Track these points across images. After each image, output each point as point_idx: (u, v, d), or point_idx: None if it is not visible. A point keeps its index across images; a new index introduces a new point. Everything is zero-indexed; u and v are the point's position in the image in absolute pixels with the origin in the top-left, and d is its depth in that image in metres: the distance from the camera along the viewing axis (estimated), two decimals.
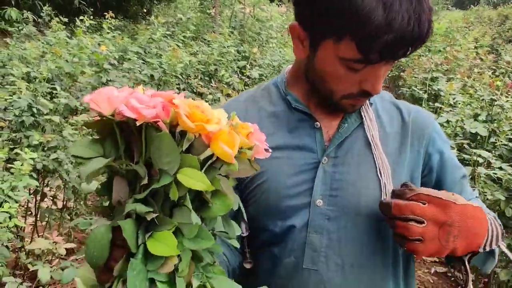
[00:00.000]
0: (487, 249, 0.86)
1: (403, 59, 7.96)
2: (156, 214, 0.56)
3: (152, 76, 4.13)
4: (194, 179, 0.55)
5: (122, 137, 0.57)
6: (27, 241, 3.25)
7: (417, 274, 3.56)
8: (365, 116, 0.96)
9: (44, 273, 1.54)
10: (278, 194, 0.92)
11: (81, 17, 4.76)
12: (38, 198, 3.20)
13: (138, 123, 0.55)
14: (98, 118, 0.57)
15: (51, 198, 3.33)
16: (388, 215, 0.82)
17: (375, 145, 0.93)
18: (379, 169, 0.92)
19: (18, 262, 2.97)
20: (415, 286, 1.03)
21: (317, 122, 0.95)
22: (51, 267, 1.60)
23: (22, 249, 3.00)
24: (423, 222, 0.78)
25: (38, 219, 3.20)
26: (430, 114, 1.06)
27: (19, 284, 1.63)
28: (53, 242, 1.64)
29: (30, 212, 3.38)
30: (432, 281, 3.47)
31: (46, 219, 3.31)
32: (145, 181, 0.55)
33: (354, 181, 0.92)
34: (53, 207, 3.31)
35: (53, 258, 3.06)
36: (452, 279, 3.63)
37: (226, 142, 0.57)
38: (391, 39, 0.75)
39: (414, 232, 0.78)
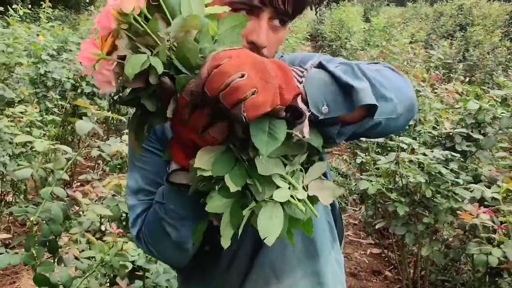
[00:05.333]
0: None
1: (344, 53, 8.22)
2: None
3: None
4: None
5: None
6: None
7: (353, 256, 3.77)
8: None
9: None
10: None
11: (14, 6, 4.56)
12: None
13: None
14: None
15: None
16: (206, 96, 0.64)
17: None
18: None
19: None
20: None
21: None
22: None
23: None
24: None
25: None
26: (316, 54, 1.12)
27: None
28: None
29: None
30: (367, 262, 3.69)
31: None
32: None
33: None
34: None
35: None
36: (386, 259, 3.87)
37: None
38: None
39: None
